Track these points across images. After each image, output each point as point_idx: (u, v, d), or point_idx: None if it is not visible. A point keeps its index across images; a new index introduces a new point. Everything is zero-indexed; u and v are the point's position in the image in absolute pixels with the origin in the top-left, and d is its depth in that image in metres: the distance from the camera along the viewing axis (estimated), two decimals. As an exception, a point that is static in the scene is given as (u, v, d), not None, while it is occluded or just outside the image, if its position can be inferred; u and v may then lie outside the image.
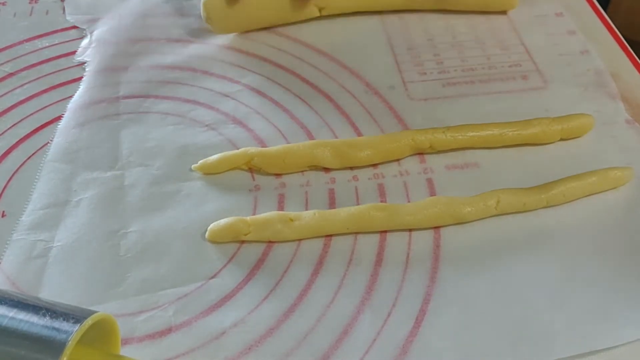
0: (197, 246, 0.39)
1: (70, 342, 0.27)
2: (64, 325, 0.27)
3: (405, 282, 0.37)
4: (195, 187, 0.42)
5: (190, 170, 0.42)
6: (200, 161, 0.42)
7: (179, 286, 0.37)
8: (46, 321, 0.28)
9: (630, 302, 0.36)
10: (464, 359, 0.34)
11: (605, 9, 0.57)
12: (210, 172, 0.42)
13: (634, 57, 0.52)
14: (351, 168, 0.43)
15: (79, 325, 0.27)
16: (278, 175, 0.43)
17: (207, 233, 0.39)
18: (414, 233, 0.40)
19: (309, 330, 0.35)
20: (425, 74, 0.50)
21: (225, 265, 0.38)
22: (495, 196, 0.40)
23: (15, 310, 0.28)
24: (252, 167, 0.43)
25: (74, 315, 0.28)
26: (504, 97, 0.48)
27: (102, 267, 0.38)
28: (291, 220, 0.39)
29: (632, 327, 0.35)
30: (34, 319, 0.28)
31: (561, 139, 0.45)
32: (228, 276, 0.37)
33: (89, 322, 0.28)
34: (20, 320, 0.28)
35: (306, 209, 0.40)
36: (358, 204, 0.41)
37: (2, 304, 0.29)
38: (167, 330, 0.35)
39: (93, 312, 0.29)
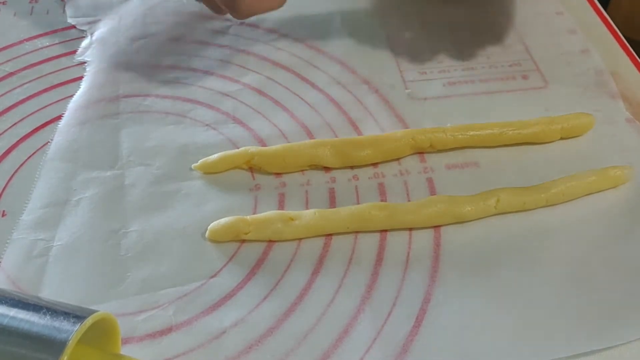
0: (197, 245, 0.39)
1: (70, 342, 0.27)
2: (65, 325, 0.27)
3: (405, 281, 0.37)
4: (196, 186, 0.42)
5: (191, 169, 0.42)
6: (201, 160, 0.42)
7: (179, 285, 0.37)
8: (47, 320, 0.28)
9: (631, 302, 0.36)
10: (464, 359, 0.34)
11: (605, 8, 0.57)
12: (210, 172, 0.42)
13: (634, 56, 0.52)
14: (351, 167, 0.43)
15: (79, 324, 0.27)
16: (278, 174, 0.43)
17: (207, 232, 0.39)
18: (414, 232, 0.40)
19: (309, 330, 0.35)
20: (425, 73, 0.50)
21: (225, 265, 0.38)
22: (495, 195, 0.40)
23: (15, 309, 0.28)
24: (253, 167, 0.43)
25: (75, 315, 0.28)
26: (504, 96, 0.48)
27: (102, 266, 0.38)
28: (291, 219, 0.39)
29: (632, 326, 0.35)
30: (34, 318, 0.28)
31: (561, 138, 0.45)
32: (228, 275, 0.37)
33: (89, 321, 0.28)
34: (21, 320, 0.28)
35: (306, 209, 0.40)
36: (358, 203, 0.41)
37: (2, 303, 0.29)
38: (168, 330, 0.35)
39: (93, 312, 0.29)
